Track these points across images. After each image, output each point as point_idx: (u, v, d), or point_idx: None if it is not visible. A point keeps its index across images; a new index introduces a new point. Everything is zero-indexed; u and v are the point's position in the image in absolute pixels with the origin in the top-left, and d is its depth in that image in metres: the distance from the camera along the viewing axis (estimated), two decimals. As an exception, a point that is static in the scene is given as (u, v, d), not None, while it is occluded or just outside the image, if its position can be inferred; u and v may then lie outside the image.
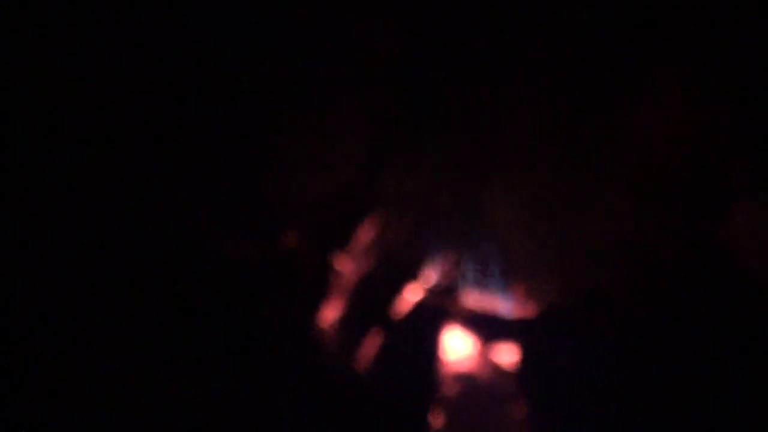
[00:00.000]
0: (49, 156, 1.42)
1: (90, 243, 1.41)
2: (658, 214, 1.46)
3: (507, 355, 1.46)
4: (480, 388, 1.45)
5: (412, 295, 1.49)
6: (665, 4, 1.44)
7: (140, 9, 1.44)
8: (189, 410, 1.37)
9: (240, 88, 1.48)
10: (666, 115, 1.47)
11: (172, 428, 1.36)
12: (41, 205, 1.41)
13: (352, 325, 1.46)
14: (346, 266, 1.48)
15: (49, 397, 1.33)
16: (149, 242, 1.42)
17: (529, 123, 1.50)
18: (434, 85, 1.50)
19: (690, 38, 1.45)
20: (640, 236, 1.46)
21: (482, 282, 1.48)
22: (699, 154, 1.46)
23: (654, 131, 1.47)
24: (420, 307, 1.48)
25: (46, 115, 1.43)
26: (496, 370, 1.46)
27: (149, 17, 1.44)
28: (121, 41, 1.44)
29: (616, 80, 1.48)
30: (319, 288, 1.46)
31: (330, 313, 1.46)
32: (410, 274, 1.49)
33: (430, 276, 1.49)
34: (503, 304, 1.48)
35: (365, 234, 1.50)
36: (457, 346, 1.47)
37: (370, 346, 1.45)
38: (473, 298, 1.48)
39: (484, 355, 1.47)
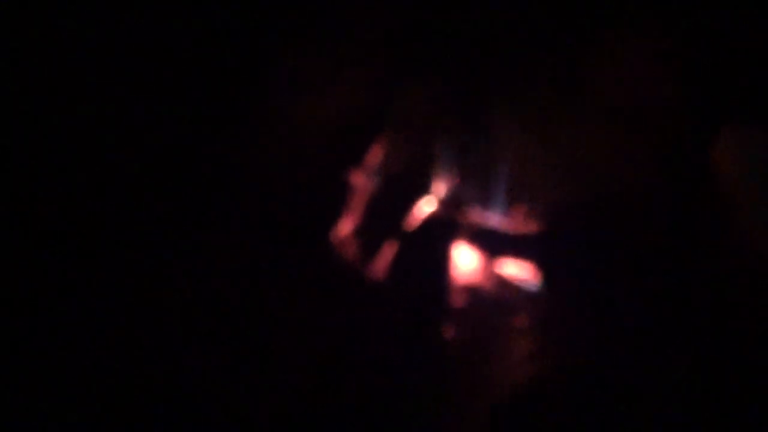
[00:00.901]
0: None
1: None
2: (650, 137, 1.51)
3: (511, 268, 1.51)
4: (485, 299, 1.48)
5: (422, 209, 1.53)
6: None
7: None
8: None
9: (257, 7, 1.52)
10: (656, 48, 1.53)
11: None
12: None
13: (368, 237, 1.51)
14: (361, 182, 1.54)
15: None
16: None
17: (529, 51, 1.55)
18: (443, 13, 1.55)
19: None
20: (634, 160, 1.51)
21: (487, 198, 1.52)
22: (690, 85, 1.51)
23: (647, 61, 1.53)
24: (430, 220, 1.52)
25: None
26: (501, 282, 1.50)
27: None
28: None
29: (609, 11, 1.53)
30: (336, 202, 1.52)
31: (347, 225, 1.52)
32: (421, 189, 1.53)
33: (439, 192, 1.54)
34: (507, 219, 1.52)
35: (378, 152, 1.55)
36: (464, 259, 1.51)
37: (384, 256, 1.50)
38: (479, 214, 1.52)
39: (489, 267, 1.51)
